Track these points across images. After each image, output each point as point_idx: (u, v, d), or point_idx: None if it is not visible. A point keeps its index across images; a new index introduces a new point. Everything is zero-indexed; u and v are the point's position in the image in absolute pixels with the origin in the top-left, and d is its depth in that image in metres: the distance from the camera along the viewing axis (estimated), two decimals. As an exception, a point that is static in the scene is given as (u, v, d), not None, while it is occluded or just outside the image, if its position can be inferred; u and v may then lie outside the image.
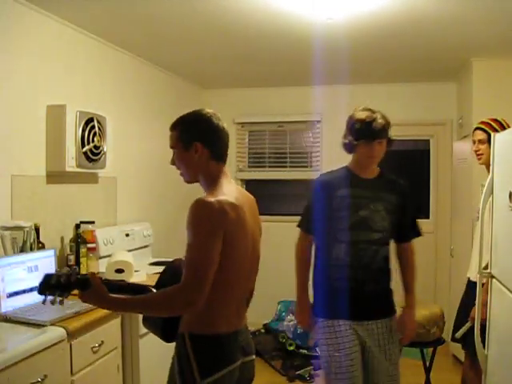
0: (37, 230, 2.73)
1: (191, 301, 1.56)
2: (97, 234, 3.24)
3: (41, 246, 2.74)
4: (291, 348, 4.30)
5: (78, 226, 3.12)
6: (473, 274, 2.72)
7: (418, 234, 2.48)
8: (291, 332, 4.37)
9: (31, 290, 2.41)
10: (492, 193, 2.48)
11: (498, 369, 2.28)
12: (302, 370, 4.04)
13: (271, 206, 5.27)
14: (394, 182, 2.42)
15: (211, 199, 1.63)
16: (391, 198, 2.34)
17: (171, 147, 1.82)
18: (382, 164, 2.40)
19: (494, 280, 2.38)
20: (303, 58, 3.98)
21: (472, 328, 2.55)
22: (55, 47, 3.08)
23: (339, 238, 2.28)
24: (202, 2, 2.84)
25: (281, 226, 4.75)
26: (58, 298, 1.69)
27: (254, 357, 1.85)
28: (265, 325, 4.56)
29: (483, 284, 2.47)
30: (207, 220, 1.60)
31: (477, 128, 2.88)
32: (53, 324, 2.19)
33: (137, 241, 3.76)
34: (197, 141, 1.74)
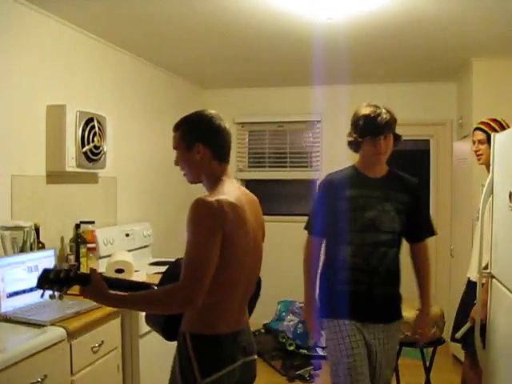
0: (37, 230, 2.73)
1: (189, 299, 1.56)
2: (97, 234, 3.24)
3: (41, 246, 2.74)
4: (291, 348, 4.30)
5: (77, 226, 3.12)
6: (473, 274, 2.72)
7: (432, 232, 2.41)
8: (291, 332, 4.37)
9: (31, 290, 2.40)
10: (492, 193, 2.48)
11: (498, 369, 2.28)
12: (302, 370, 4.04)
13: (271, 205, 5.27)
14: (404, 180, 2.34)
15: (211, 199, 1.64)
16: (401, 197, 2.26)
17: (174, 148, 1.82)
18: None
19: (493, 280, 2.38)
20: (303, 58, 3.98)
21: (472, 328, 2.55)
22: (55, 47, 3.08)
23: (346, 239, 2.21)
24: (202, 2, 2.84)
25: (281, 226, 4.76)
26: (57, 293, 1.69)
27: (255, 357, 1.85)
28: (265, 325, 4.56)
29: (483, 284, 2.47)
30: (206, 219, 1.61)
31: (476, 128, 2.88)
32: (53, 324, 2.19)
33: (137, 241, 3.76)
34: (199, 141, 1.75)
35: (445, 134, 4.91)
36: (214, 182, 1.75)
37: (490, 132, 2.69)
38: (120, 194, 3.79)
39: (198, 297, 1.56)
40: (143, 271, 3.21)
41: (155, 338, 2.66)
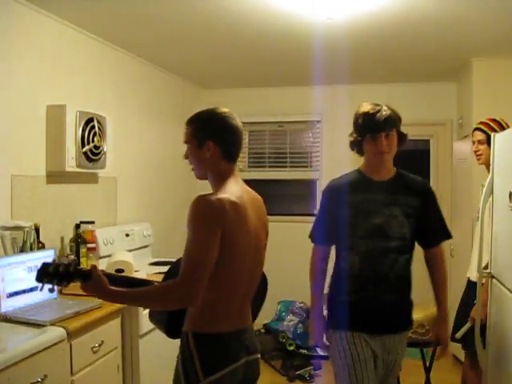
0: (37, 230, 2.73)
1: (188, 295, 1.57)
2: (97, 234, 3.24)
3: (41, 246, 2.74)
4: (291, 348, 4.30)
5: (77, 226, 3.12)
6: (473, 274, 2.72)
7: (447, 235, 2.25)
8: (291, 332, 4.37)
9: (31, 289, 2.41)
10: (492, 193, 2.48)
11: (498, 369, 2.29)
12: (302, 370, 4.04)
13: (271, 206, 5.21)
14: (414, 182, 2.21)
15: (212, 197, 1.66)
16: (411, 201, 2.12)
17: (185, 142, 1.82)
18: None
19: (493, 280, 2.39)
20: (303, 58, 3.98)
21: (472, 328, 2.55)
22: (55, 47, 3.08)
23: (353, 247, 2.09)
24: (202, 2, 2.84)
25: (281, 226, 4.75)
26: (55, 286, 1.70)
27: (258, 356, 1.86)
28: (265, 325, 4.56)
29: (483, 284, 2.47)
30: (207, 217, 1.62)
31: (476, 129, 2.88)
32: (53, 324, 2.19)
33: (137, 241, 3.76)
34: (210, 139, 1.75)
35: (445, 134, 4.91)
36: (220, 180, 1.76)
37: (489, 132, 2.69)
38: (120, 194, 3.79)
39: (197, 293, 1.57)
40: (143, 271, 3.21)
41: (155, 337, 2.67)
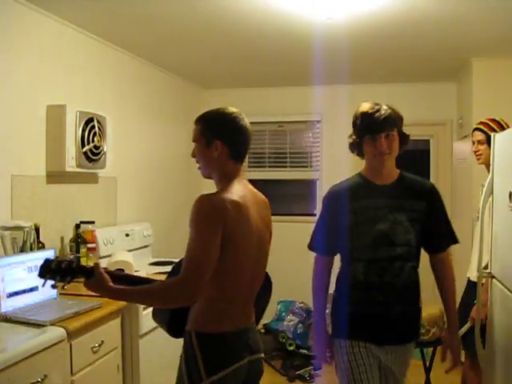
0: (37, 230, 2.73)
1: (189, 293, 1.58)
2: (97, 234, 3.24)
3: (41, 246, 2.74)
4: (291, 348, 4.30)
5: (77, 226, 3.12)
6: (473, 274, 2.72)
7: (454, 240, 2.12)
8: (291, 332, 4.37)
9: (31, 289, 2.41)
10: (492, 193, 2.48)
11: (498, 369, 2.29)
12: (302, 370, 4.04)
13: (271, 206, 5.24)
14: (418, 185, 2.09)
15: (214, 196, 1.67)
16: (416, 205, 2.02)
17: (193, 141, 1.83)
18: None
19: (493, 280, 2.39)
20: (303, 58, 3.98)
21: (472, 328, 2.55)
22: (55, 47, 3.08)
23: (357, 256, 2.00)
24: (202, 2, 2.84)
25: (281, 226, 4.72)
26: (58, 283, 1.71)
27: (262, 355, 1.86)
28: (265, 325, 4.56)
29: (483, 284, 2.47)
30: (208, 216, 1.62)
31: (475, 129, 2.88)
32: (53, 324, 2.19)
33: (137, 241, 3.76)
34: (218, 139, 1.75)
35: (445, 134, 4.91)
36: (225, 180, 1.76)
37: (489, 132, 2.69)
38: (120, 194, 3.79)
39: (198, 291, 1.58)
40: (143, 271, 3.21)
41: (155, 337, 2.67)
